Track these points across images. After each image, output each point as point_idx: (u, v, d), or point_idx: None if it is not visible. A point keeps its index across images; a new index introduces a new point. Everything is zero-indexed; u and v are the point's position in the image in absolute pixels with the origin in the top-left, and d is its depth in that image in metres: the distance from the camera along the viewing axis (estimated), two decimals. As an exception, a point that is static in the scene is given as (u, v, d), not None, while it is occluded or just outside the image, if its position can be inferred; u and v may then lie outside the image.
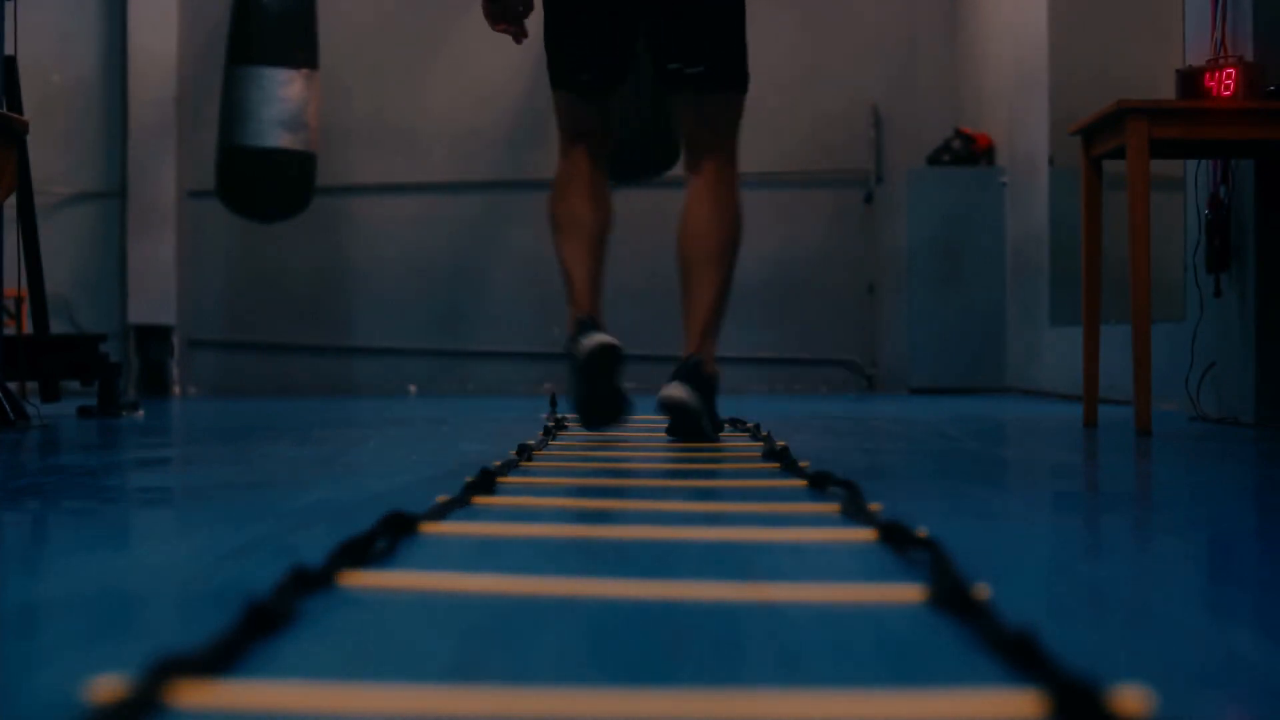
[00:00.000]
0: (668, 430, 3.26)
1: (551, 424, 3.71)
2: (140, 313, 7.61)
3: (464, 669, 1.02)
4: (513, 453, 2.65)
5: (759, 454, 2.81)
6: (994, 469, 2.94)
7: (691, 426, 3.19)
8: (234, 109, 6.67)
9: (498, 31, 3.63)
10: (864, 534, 1.61)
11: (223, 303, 7.88)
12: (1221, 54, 4.13)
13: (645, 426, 4.01)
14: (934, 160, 7.32)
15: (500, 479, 2.21)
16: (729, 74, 3.42)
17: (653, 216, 7.71)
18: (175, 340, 7.63)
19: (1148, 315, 3.76)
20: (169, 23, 7.65)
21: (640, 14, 3.43)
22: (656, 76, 3.49)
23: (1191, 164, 4.52)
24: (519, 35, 3.60)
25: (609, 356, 3.30)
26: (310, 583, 1.23)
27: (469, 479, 2.07)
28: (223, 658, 0.97)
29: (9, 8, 4.32)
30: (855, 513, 1.77)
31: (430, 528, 1.65)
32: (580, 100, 3.56)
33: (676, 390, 3.18)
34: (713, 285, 3.52)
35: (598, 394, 3.31)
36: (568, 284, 3.61)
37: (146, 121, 7.65)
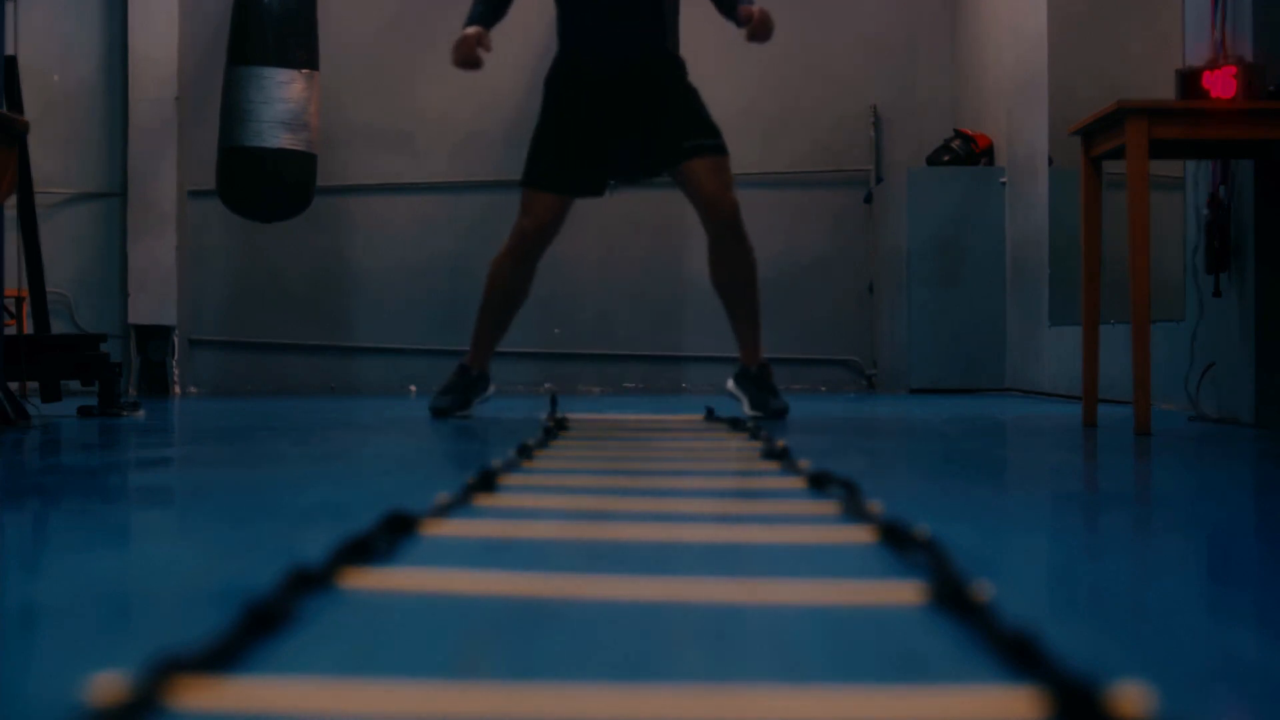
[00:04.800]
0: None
1: (551, 424, 3.71)
2: (140, 313, 7.61)
3: (464, 669, 1.02)
4: (513, 452, 2.65)
5: (759, 454, 2.81)
6: (994, 469, 2.94)
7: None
8: (234, 109, 6.67)
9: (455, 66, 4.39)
10: (864, 534, 1.61)
11: (223, 303, 7.88)
12: (1221, 54, 4.13)
13: (645, 426, 4.01)
14: (934, 160, 7.32)
15: (500, 479, 2.21)
16: (724, 143, 4.35)
17: (652, 218, 7.72)
18: (175, 340, 7.63)
19: (1147, 315, 3.76)
20: (169, 23, 7.65)
21: (624, 118, 4.30)
22: (669, 160, 4.30)
23: (1191, 164, 4.52)
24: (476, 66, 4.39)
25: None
26: (310, 583, 1.23)
27: (469, 479, 2.07)
28: (223, 657, 0.97)
29: (9, 8, 4.32)
30: (855, 512, 1.77)
31: (430, 528, 1.65)
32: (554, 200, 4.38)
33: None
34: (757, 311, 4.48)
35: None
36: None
37: (146, 121, 7.64)
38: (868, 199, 7.83)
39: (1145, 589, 1.43)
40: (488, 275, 4.53)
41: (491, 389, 4.59)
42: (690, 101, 4.35)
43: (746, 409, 4.36)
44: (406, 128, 7.84)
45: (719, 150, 4.31)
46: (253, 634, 1.05)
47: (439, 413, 4.45)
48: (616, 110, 4.30)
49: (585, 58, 4.32)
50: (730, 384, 4.47)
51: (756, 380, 4.39)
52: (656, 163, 4.37)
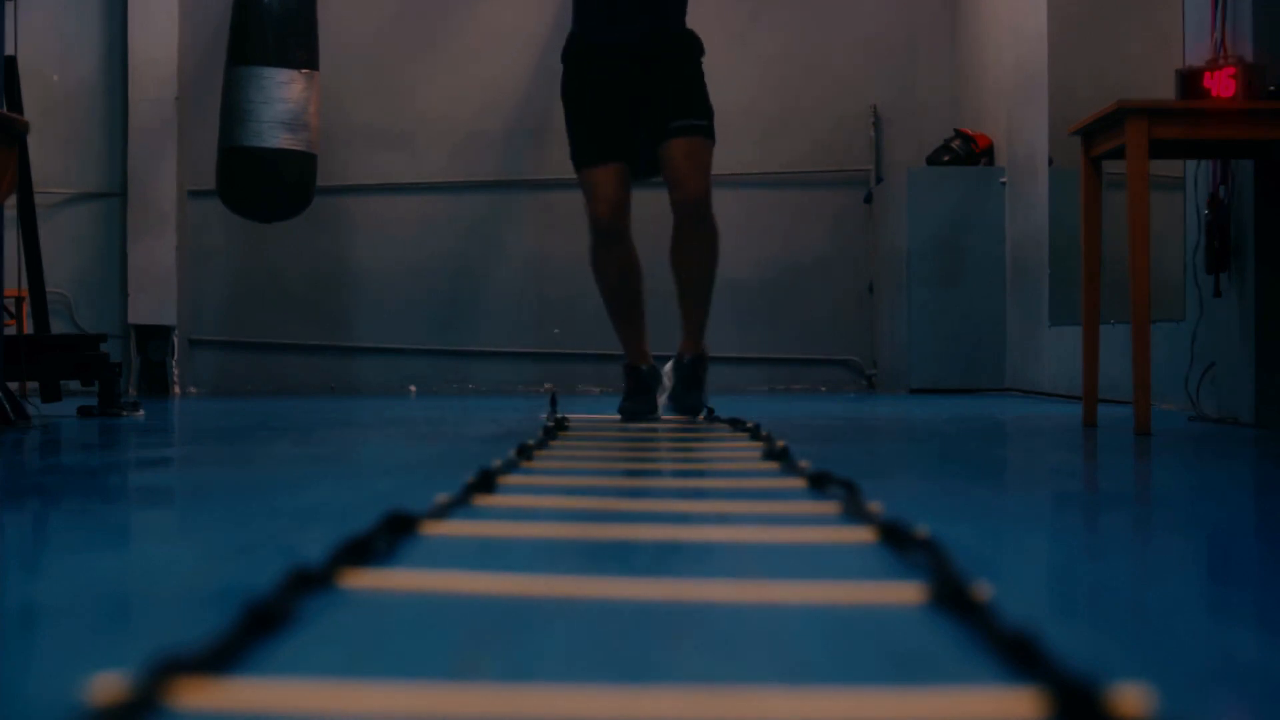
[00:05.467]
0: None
1: (551, 424, 3.71)
2: (140, 313, 7.60)
3: (464, 669, 1.02)
4: (513, 452, 2.65)
5: (759, 454, 2.81)
6: (994, 469, 2.94)
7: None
8: (234, 109, 6.67)
9: None
10: (864, 534, 1.61)
11: (223, 303, 7.88)
12: (1221, 54, 4.13)
13: (645, 426, 4.01)
14: (934, 160, 7.32)
15: (500, 479, 2.21)
16: (712, 127, 4.22)
17: (652, 218, 7.71)
18: (175, 340, 7.63)
19: (1147, 315, 3.76)
20: (169, 23, 7.65)
21: (637, 96, 4.17)
22: (657, 136, 4.15)
23: (1191, 164, 4.52)
24: None
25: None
26: (310, 583, 1.23)
27: (469, 479, 2.07)
28: (223, 658, 0.97)
29: (9, 8, 4.32)
30: (855, 512, 1.77)
31: (430, 528, 1.65)
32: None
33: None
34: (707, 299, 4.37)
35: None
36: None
37: (146, 121, 7.64)
38: (868, 199, 7.83)
39: (1145, 589, 1.43)
40: (594, 274, 4.35)
41: (666, 379, 4.39)
42: (688, 81, 4.22)
43: (662, 400, 4.26)
44: (406, 128, 7.84)
45: (701, 132, 4.17)
46: (253, 634, 1.05)
47: (634, 417, 4.23)
48: (631, 83, 4.18)
49: (599, 31, 4.20)
50: (665, 368, 4.34)
51: (687, 370, 4.25)
52: (647, 137, 4.23)
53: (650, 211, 7.63)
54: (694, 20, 4.52)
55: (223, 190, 6.80)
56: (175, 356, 7.62)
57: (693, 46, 4.26)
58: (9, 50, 4.40)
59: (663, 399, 4.27)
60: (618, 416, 4.25)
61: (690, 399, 4.23)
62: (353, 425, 4.49)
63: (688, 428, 3.92)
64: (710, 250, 4.24)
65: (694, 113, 4.17)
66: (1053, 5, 6.38)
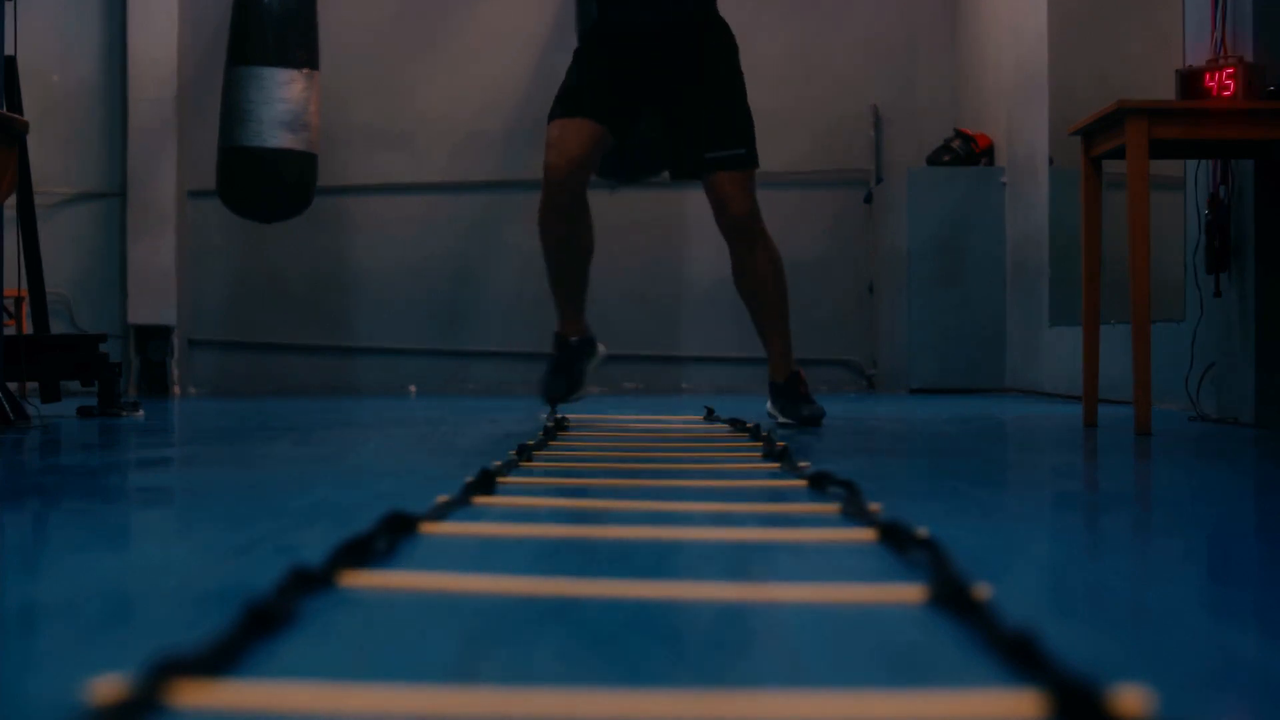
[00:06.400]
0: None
1: (551, 424, 3.71)
2: (140, 313, 7.60)
3: (464, 669, 1.02)
4: (513, 453, 2.65)
5: (759, 454, 2.81)
6: (994, 469, 2.94)
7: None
8: (234, 109, 6.67)
9: None
10: (864, 534, 1.61)
11: (223, 303, 7.88)
12: (1221, 54, 4.13)
13: (645, 427, 4.01)
14: (934, 160, 7.32)
15: (500, 479, 2.21)
16: (754, 152, 3.98)
17: (652, 218, 7.71)
18: (175, 340, 7.63)
19: (1147, 315, 3.76)
20: (169, 23, 7.65)
21: (660, 88, 3.93)
22: (687, 166, 4.01)
23: (1191, 164, 4.52)
24: None
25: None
26: (310, 583, 1.23)
27: (469, 479, 2.07)
28: (223, 658, 0.97)
29: (9, 8, 4.32)
30: (855, 513, 1.77)
31: (430, 528, 1.65)
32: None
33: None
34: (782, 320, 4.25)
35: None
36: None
37: (146, 121, 7.64)
38: (868, 199, 7.83)
39: (1145, 589, 1.43)
40: (540, 238, 4.09)
41: (602, 349, 4.24)
42: (726, 99, 3.95)
43: (779, 420, 4.07)
44: (406, 128, 7.84)
45: (740, 165, 3.93)
46: (252, 634, 1.05)
47: (554, 399, 4.09)
48: (654, 71, 3.92)
49: (623, 18, 3.94)
50: (768, 405, 4.17)
51: (785, 392, 4.10)
52: (677, 165, 4.11)
53: (648, 215, 7.64)
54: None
55: (223, 190, 6.80)
56: (175, 357, 7.62)
57: (730, 44, 3.99)
58: (9, 50, 4.39)
59: (778, 419, 4.07)
60: (617, 416, 4.25)
61: (809, 409, 4.05)
62: (353, 425, 4.49)
63: (687, 428, 3.92)
64: (772, 269, 4.08)
65: (735, 141, 3.93)
66: (1053, 5, 6.38)
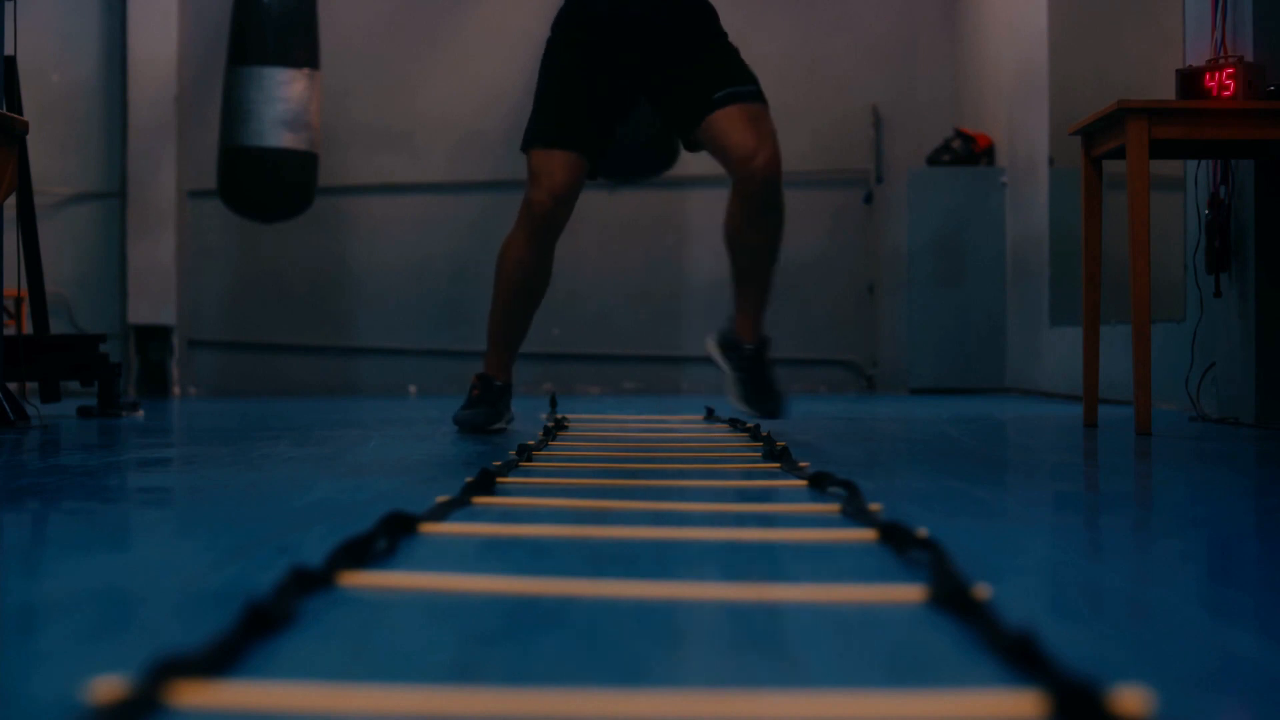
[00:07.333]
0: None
1: (551, 424, 3.71)
2: (140, 313, 7.61)
3: (464, 669, 1.02)
4: (513, 453, 2.65)
5: (759, 454, 2.81)
6: (994, 469, 2.94)
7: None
8: (235, 109, 6.67)
9: None
10: (864, 534, 1.61)
11: (223, 303, 7.88)
12: (1221, 54, 4.13)
13: (645, 427, 4.01)
14: (934, 160, 7.32)
15: (500, 479, 2.21)
16: (762, 92, 3.63)
17: (652, 218, 7.71)
18: (175, 340, 7.63)
19: (1147, 315, 3.76)
20: (169, 23, 7.65)
21: (639, 81, 3.66)
22: (694, 114, 3.59)
23: (1191, 164, 4.52)
24: None
25: None
26: (310, 583, 1.23)
27: (469, 479, 2.07)
28: (223, 658, 0.97)
29: (9, 8, 4.32)
30: (855, 513, 1.77)
31: (430, 528, 1.65)
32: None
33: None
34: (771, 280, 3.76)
35: None
36: None
37: (146, 121, 7.64)
38: (868, 199, 7.83)
39: (1145, 589, 1.43)
40: (498, 264, 3.81)
41: (511, 415, 3.91)
42: (722, 50, 3.65)
43: (733, 400, 3.65)
44: (406, 128, 7.84)
45: (756, 97, 3.57)
46: (253, 634, 1.05)
47: (472, 428, 3.76)
48: (631, 66, 3.65)
49: (612, 12, 3.64)
50: (715, 350, 3.70)
51: (751, 362, 3.62)
52: (678, 119, 3.66)
53: (648, 215, 7.63)
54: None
55: (223, 190, 6.80)
56: (175, 357, 7.62)
57: (713, 16, 3.69)
58: (9, 50, 4.39)
59: (731, 398, 3.67)
60: (617, 416, 4.24)
61: (769, 400, 3.61)
62: (353, 425, 4.49)
63: (687, 428, 3.92)
64: (779, 231, 3.64)
65: (740, 79, 3.58)
66: (1053, 5, 6.38)
